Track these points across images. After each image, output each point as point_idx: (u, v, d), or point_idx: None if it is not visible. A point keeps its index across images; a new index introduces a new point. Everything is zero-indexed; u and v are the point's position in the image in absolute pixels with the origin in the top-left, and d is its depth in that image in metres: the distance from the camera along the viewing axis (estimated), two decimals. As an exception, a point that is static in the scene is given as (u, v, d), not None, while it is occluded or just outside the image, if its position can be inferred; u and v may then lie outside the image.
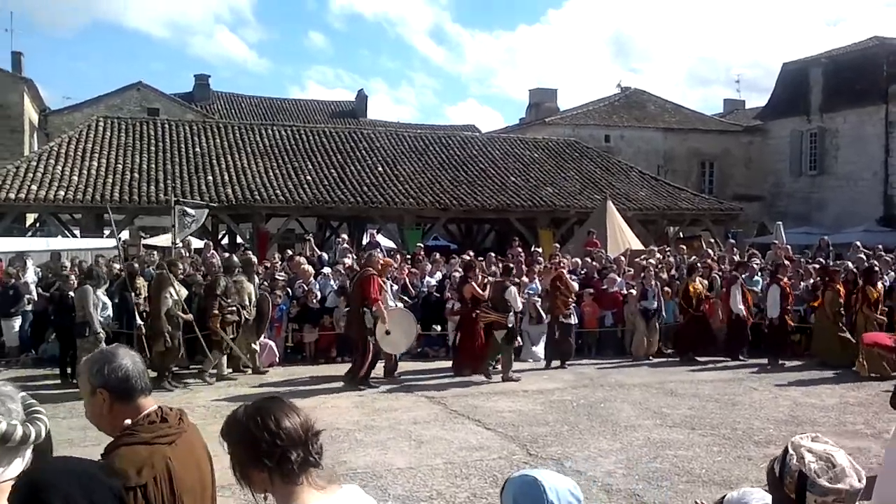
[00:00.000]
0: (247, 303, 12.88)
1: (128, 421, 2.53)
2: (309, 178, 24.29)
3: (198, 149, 24.92)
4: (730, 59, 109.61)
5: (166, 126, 26.39)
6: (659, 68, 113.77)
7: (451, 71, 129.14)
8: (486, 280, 13.48)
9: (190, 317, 12.44)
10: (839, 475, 2.01)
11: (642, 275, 15.41)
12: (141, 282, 13.14)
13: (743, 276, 15.10)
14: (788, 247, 19.25)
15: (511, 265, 13.89)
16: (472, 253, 17.82)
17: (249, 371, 13.04)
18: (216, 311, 12.36)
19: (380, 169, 25.88)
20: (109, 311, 11.97)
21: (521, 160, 28.99)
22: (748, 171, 37.94)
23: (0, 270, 14.78)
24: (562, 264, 14.97)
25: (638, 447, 8.31)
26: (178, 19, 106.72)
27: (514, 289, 12.79)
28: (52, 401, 10.02)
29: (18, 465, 2.28)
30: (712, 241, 21.74)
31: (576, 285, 14.68)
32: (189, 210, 13.96)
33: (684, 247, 19.85)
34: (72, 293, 12.08)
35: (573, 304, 14.23)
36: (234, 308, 12.65)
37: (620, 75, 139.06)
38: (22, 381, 11.93)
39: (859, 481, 2.01)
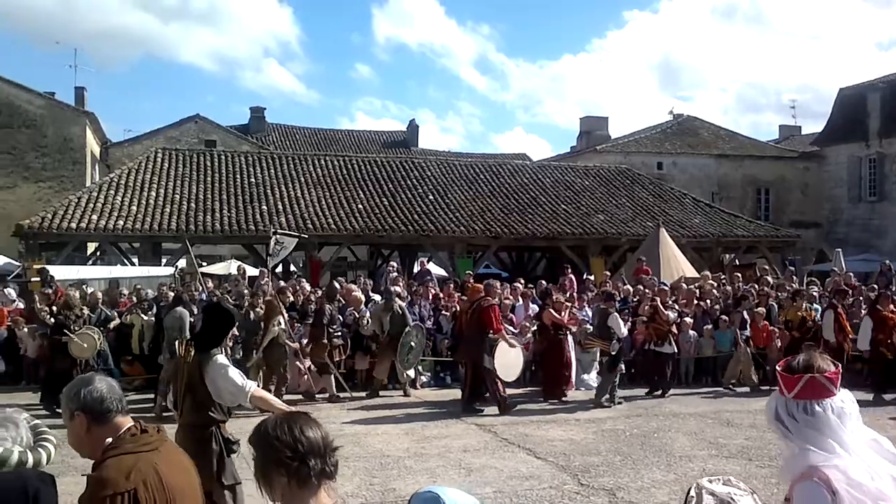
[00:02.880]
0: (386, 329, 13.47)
1: (109, 440, 2.65)
2: (360, 206, 24.53)
3: (253, 179, 25.39)
4: (779, 84, 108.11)
5: (222, 157, 26.97)
6: (708, 95, 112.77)
7: (496, 100, 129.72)
8: (564, 305, 13.63)
9: (297, 345, 12.76)
10: None
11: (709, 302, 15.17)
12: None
13: (842, 303, 14.51)
14: (851, 274, 18.76)
15: (613, 291, 13.94)
16: (522, 281, 17.75)
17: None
18: (324, 340, 12.79)
19: (430, 197, 26.02)
20: None
21: (572, 188, 28.90)
22: (805, 198, 37.24)
23: (60, 294, 15.12)
24: (662, 291, 14.89)
25: (693, 479, 8.05)
26: (228, 53, 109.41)
27: (616, 315, 12.83)
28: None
29: None
30: (766, 267, 21.28)
31: (673, 315, 14.45)
32: (281, 238, 14.38)
33: (740, 274, 19.49)
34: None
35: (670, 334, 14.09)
36: (340, 333, 13.24)
37: (669, 102, 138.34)
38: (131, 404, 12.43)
39: None
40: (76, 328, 12.15)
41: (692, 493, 2.08)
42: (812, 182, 37.24)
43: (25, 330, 14.86)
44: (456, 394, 13.51)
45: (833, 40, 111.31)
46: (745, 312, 14.87)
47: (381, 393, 13.69)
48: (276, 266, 14.99)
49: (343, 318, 14.73)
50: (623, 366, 13.16)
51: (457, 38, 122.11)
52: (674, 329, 14.14)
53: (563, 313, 13.38)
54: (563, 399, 12.97)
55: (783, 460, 2.32)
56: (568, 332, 13.48)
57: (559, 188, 28.67)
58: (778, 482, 7.81)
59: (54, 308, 14.25)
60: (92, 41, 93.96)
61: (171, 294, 15.03)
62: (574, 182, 29.54)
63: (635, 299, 15.97)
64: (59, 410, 8.99)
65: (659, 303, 14.02)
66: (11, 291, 16.42)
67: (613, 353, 12.55)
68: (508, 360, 12.30)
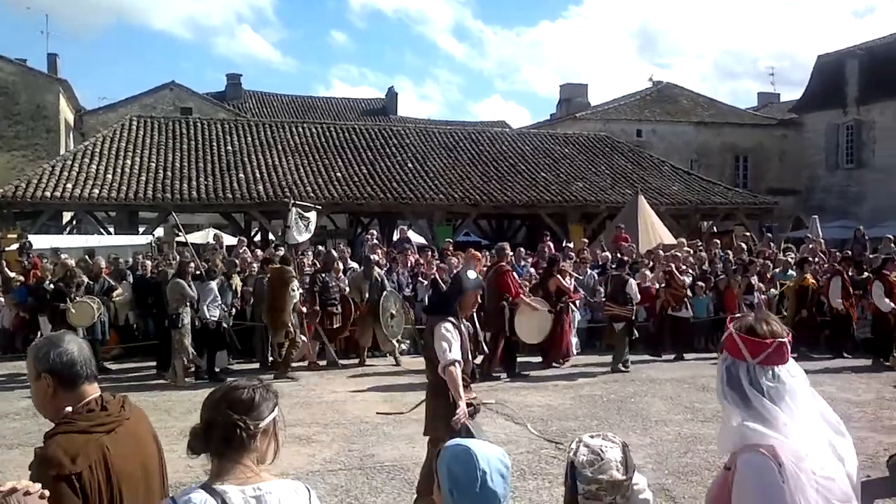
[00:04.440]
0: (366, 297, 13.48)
1: (68, 409, 2.55)
2: (339, 174, 24.39)
3: (230, 146, 25.14)
4: (756, 52, 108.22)
5: (198, 125, 26.66)
6: (685, 62, 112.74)
7: (473, 67, 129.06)
8: (569, 273, 13.82)
9: (316, 309, 12.99)
10: (602, 467, 2.19)
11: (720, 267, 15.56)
12: (236, 279, 13.84)
13: (847, 270, 14.54)
14: (822, 240, 18.93)
15: (626, 258, 14.20)
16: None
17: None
18: (316, 307, 12.85)
19: (410, 165, 25.92)
20: (219, 304, 12.39)
21: (552, 155, 28.86)
22: (783, 165, 37.44)
23: (38, 267, 14.98)
24: (675, 256, 15.24)
25: (668, 442, 8.22)
26: (201, 20, 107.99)
27: (633, 282, 13.12)
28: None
29: None
30: (747, 234, 21.42)
31: (688, 279, 14.74)
32: (305, 213, 14.29)
33: (718, 241, 19.61)
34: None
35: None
36: (335, 301, 13.27)
37: (647, 70, 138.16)
38: (118, 374, 12.76)
39: (623, 474, 2.18)
40: (76, 297, 12.07)
41: (573, 445, 2.21)
42: (790, 149, 37.41)
43: (1, 300, 14.73)
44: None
45: (809, 7, 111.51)
46: (752, 278, 15.00)
47: (358, 359, 13.74)
48: (289, 241, 14.83)
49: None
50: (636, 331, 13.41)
51: (433, 5, 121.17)
52: (688, 293, 14.43)
53: (568, 281, 13.50)
54: (562, 364, 13.21)
55: (724, 430, 2.26)
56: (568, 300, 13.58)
57: (539, 156, 28.62)
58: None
59: (39, 279, 14.20)
60: (63, 7, 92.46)
61: (148, 263, 15.00)
62: (553, 150, 29.50)
63: (649, 265, 15.96)
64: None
65: (674, 268, 14.36)
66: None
67: (633, 318, 12.88)
68: (535, 322, 12.45)
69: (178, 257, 14.57)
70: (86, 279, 12.83)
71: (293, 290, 12.21)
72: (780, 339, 2.20)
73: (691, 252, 17.15)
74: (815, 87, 36.93)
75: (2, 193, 20.36)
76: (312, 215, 14.55)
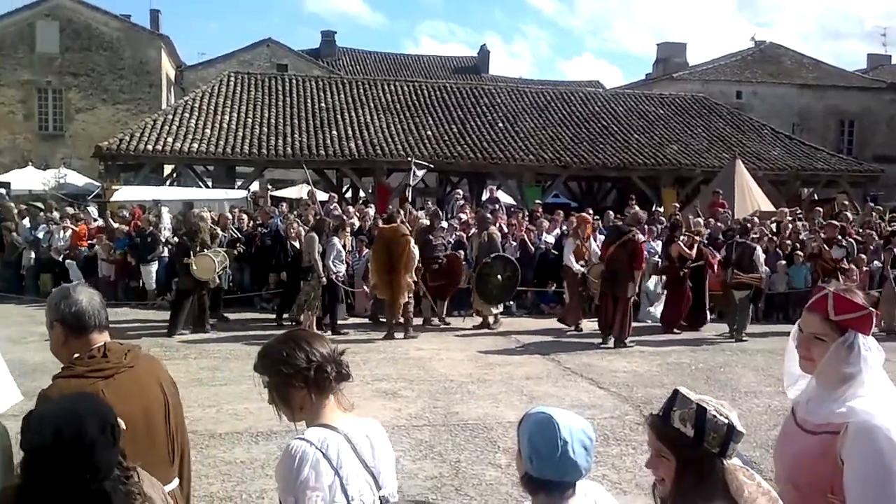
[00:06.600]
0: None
1: (76, 355, 2.70)
2: (429, 133, 24.44)
3: (323, 104, 25.45)
4: (863, 11, 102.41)
5: (294, 81, 27.04)
6: (788, 20, 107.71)
7: (563, 25, 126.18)
8: (693, 239, 13.58)
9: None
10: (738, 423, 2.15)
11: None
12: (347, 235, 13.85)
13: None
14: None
15: (749, 224, 13.84)
16: (591, 211, 17.52)
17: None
18: (419, 265, 12.55)
19: (500, 125, 25.74)
20: (342, 259, 12.59)
21: (646, 117, 28.19)
22: (891, 132, 35.66)
23: (139, 218, 15.58)
24: (832, 226, 14.89)
25: (758, 414, 8.04)
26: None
27: (760, 250, 12.97)
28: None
29: None
30: (846, 202, 20.57)
31: (841, 252, 14.29)
32: (417, 172, 14.81)
33: (820, 209, 18.87)
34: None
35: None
36: (439, 259, 13.25)
37: (746, 29, 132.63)
38: (242, 322, 13.22)
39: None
40: (200, 251, 12.31)
41: (709, 410, 2.14)
42: (900, 114, 35.59)
43: (98, 248, 15.33)
44: (522, 323, 13.62)
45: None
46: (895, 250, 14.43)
47: (447, 321, 13.69)
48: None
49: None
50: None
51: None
52: (844, 265, 13.82)
53: (693, 247, 13.28)
54: (683, 330, 13.06)
55: (819, 398, 2.35)
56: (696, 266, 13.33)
57: (632, 117, 28.00)
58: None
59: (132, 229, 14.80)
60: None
61: (245, 217, 15.47)
62: (648, 111, 28.80)
63: (707, 232, 15.59)
64: (183, 332, 9.51)
65: (823, 241, 14.01)
66: (93, 211, 16.97)
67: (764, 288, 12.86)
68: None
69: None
70: (218, 232, 13.27)
71: (414, 250, 12.07)
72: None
73: (792, 220, 16.56)
74: (931, 48, 34.88)
75: (106, 146, 21.16)
76: (422, 174, 14.85)
